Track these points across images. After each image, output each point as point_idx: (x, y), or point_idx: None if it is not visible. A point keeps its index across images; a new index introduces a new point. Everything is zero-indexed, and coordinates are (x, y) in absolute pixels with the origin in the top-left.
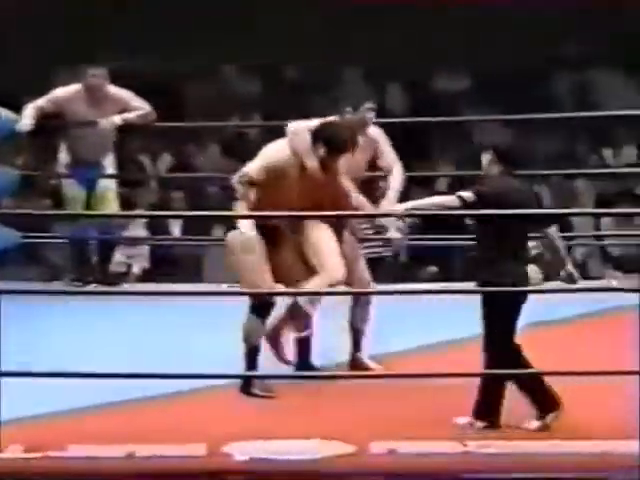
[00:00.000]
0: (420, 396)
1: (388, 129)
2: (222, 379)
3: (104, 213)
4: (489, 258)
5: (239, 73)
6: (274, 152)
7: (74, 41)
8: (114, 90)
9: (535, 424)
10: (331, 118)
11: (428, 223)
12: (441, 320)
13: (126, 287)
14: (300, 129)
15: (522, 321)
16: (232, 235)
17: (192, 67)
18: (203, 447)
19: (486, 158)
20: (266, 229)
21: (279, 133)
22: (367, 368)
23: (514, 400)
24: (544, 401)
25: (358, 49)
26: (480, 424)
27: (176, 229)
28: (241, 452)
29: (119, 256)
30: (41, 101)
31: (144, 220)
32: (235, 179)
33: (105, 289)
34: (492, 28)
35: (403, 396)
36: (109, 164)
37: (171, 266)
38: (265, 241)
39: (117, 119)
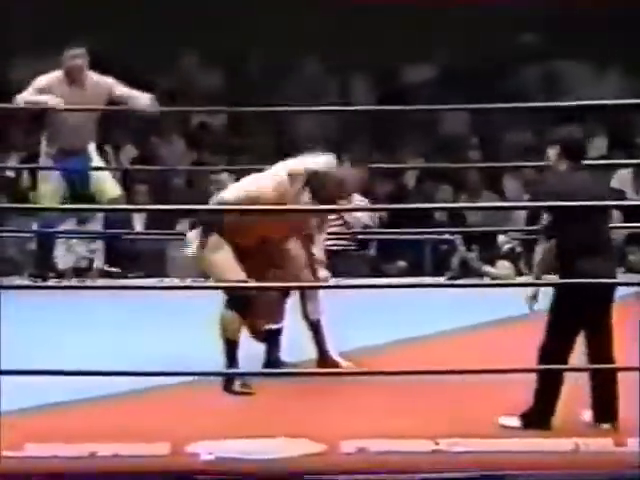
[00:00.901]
0: (391, 393)
1: (354, 120)
2: (188, 376)
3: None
4: (568, 255)
5: (201, 65)
6: (258, 186)
7: (41, 28)
8: (96, 75)
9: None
10: (324, 168)
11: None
12: (410, 316)
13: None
14: (297, 173)
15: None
16: (191, 235)
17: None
18: (167, 446)
19: (553, 153)
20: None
21: (243, 126)
22: (336, 364)
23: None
24: (605, 407)
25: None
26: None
27: (138, 223)
28: (206, 451)
29: (81, 251)
30: (27, 92)
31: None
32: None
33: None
34: (459, 21)
35: (373, 393)
36: (92, 151)
37: (133, 261)
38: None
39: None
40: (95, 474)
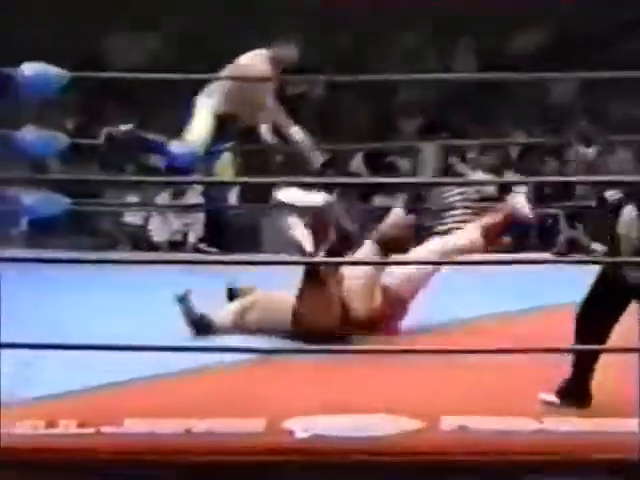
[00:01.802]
0: (495, 368)
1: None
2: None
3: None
4: None
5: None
6: None
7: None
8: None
9: None
10: None
11: None
12: (511, 290)
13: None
14: None
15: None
16: None
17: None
18: (262, 422)
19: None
20: None
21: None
22: None
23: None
24: None
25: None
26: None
27: (233, 196)
28: (302, 428)
29: (176, 224)
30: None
31: (201, 187)
32: None
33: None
34: None
35: (476, 368)
36: None
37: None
38: None
39: None
40: (189, 451)
